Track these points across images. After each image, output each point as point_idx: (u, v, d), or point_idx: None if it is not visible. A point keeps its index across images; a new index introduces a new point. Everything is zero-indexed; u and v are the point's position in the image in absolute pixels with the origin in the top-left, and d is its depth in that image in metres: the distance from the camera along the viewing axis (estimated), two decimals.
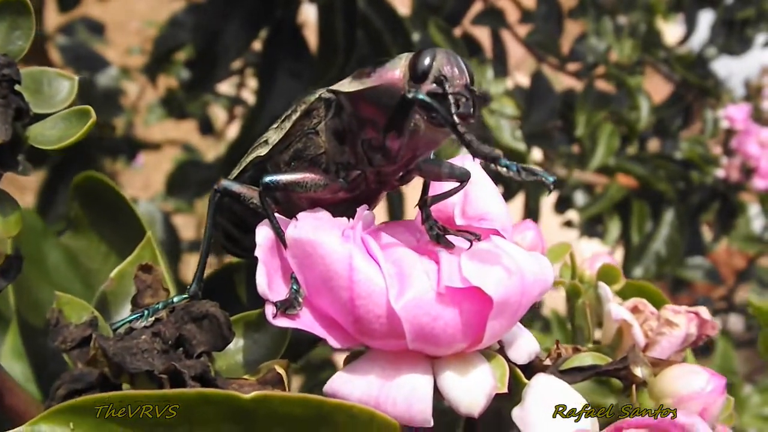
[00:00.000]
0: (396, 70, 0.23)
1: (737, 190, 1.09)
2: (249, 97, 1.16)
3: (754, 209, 1.18)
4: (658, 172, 1.05)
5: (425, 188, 0.25)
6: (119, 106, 1.03)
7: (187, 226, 1.41)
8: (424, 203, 0.25)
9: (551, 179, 0.22)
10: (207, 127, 1.27)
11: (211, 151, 1.38)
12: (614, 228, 1.05)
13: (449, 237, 0.23)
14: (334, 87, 0.24)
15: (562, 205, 1.10)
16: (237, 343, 0.26)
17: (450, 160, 0.25)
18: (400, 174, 0.25)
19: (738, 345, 1.18)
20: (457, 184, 0.24)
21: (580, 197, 1.08)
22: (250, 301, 0.34)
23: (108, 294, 0.31)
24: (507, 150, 0.85)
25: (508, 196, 0.99)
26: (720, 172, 1.07)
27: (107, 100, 0.98)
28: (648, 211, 1.05)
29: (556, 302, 0.43)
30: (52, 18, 0.98)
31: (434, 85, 0.22)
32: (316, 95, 0.25)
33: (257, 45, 0.85)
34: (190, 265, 1.11)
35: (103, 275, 0.41)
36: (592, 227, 1.12)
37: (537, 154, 1.04)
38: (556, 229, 1.17)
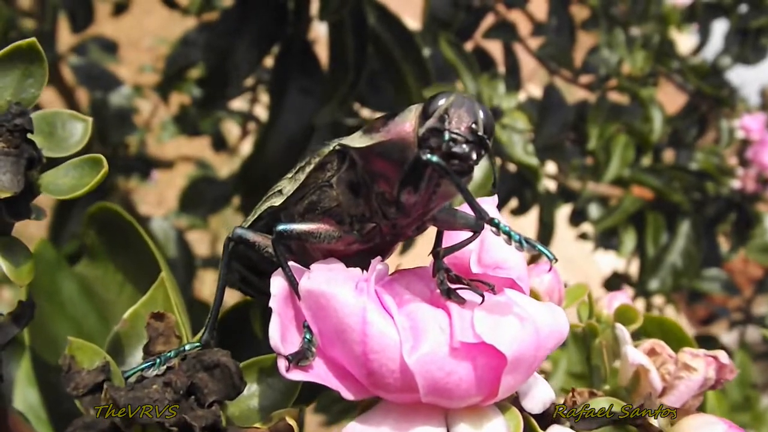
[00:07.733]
0: (406, 123, 0.22)
1: (753, 201, 1.08)
2: (262, 113, 1.16)
3: None
4: (674, 183, 1.04)
5: (439, 238, 0.25)
6: (132, 125, 1.04)
7: (202, 242, 1.41)
8: (437, 254, 0.24)
9: (551, 256, 0.21)
10: (220, 143, 1.27)
11: (225, 167, 1.38)
12: (629, 240, 1.04)
13: (461, 291, 0.23)
14: (345, 141, 0.24)
15: (576, 218, 1.09)
16: (250, 389, 0.26)
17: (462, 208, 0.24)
18: (416, 226, 0.24)
19: (755, 357, 1.17)
20: (471, 234, 0.24)
21: (594, 210, 1.07)
22: (265, 338, 0.34)
23: (122, 335, 0.30)
24: (520, 164, 0.84)
25: (522, 209, 0.99)
26: (736, 183, 1.06)
27: (120, 119, 0.98)
28: (663, 222, 1.04)
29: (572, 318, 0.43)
30: (65, 38, 0.98)
31: (437, 121, 0.22)
32: (330, 147, 0.25)
33: (269, 61, 0.85)
34: (204, 281, 1.12)
35: (118, 306, 0.41)
36: (607, 240, 1.12)
37: (551, 167, 1.04)
38: (571, 242, 1.16)
